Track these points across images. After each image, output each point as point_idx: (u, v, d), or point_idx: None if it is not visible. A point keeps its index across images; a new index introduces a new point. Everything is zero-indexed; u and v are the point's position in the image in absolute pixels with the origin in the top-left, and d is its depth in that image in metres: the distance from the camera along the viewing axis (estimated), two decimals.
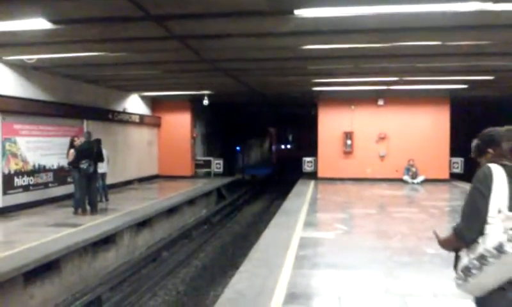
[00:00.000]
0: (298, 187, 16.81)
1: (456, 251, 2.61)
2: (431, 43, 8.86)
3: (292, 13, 6.68)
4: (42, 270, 7.49)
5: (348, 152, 18.85)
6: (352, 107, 18.77)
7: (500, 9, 6.36)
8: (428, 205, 12.31)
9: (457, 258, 2.59)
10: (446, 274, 5.97)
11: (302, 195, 14.51)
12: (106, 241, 9.52)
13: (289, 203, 12.97)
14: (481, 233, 2.39)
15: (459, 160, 18.85)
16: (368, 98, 18.40)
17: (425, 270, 6.20)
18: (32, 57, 10.17)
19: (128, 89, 17.38)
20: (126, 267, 9.77)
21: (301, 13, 6.69)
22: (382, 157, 18.61)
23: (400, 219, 10.15)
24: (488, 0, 6.02)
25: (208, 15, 7.09)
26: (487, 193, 2.42)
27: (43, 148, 12.33)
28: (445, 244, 2.77)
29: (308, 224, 9.64)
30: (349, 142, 18.82)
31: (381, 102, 18.66)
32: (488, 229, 2.37)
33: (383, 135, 18.62)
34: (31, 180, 11.86)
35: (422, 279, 5.83)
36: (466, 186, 16.97)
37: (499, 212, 2.36)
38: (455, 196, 14.71)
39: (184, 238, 12.89)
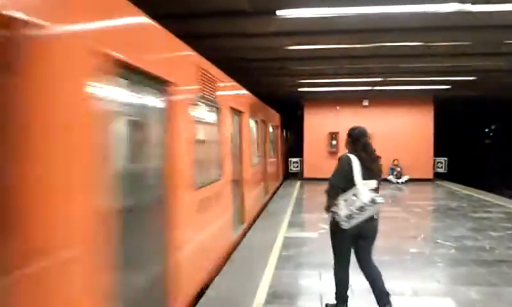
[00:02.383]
0: (284, 188, 16.84)
1: (329, 208, 4.30)
2: (412, 43, 8.95)
3: (274, 13, 6.70)
4: None
5: (333, 152, 18.93)
6: (338, 107, 18.87)
7: (479, 10, 6.45)
8: (411, 205, 12.40)
9: (333, 212, 4.25)
10: (427, 272, 6.05)
11: (287, 196, 14.54)
12: None
13: (274, 204, 12.98)
14: (352, 193, 4.08)
15: (443, 160, 19.05)
16: (353, 99, 18.51)
17: (406, 269, 6.25)
18: None
19: None
20: None
21: (284, 13, 6.72)
22: None
23: (384, 218, 10.18)
24: (466, 1, 6.11)
25: (192, 16, 7.09)
26: (349, 169, 4.14)
27: None
28: (328, 207, 4.34)
29: (293, 224, 9.66)
30: (334, 142, 18.92)
31: (365, 103, 18.81)
32: (359, 191, 4.06)
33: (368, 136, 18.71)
34: None
35: (404, 277, 5.88)
36: (451, 185, 17.19)
37: (359, 181, 4.09)
38: (438, 195, 14.84)
39: None
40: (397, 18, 7.14)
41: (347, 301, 4.57)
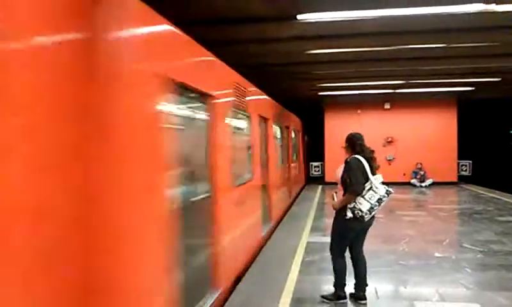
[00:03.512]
0: (305, 192, 16.78)
1: (346, 205, 4.68)
2: (435, 45, 8.84)
3: (295, 18, 6.71)
4: None
5: None
6: (359, 111, 18.74)
7: (503, 10, 6.35)
8: (436, 208, 12.22)
9: (345, 209, 4.67)
10: (454, 277, 5.94)
11: (309, 200, 14.48)
12: None
13: (296, 208, 12.94)
14: (368, 189, 4.61)
15: (467, 163, 18.74)
16: (374, 102, 18.37)
17: (432, 274, 6.16)
18: None
19: None
20: None
21: (304, 17, 6.72)
22: (389, 161, 18.54)
23: (408, 222, 10.09)
24: (491, 1, 6.02)
25: (214, 22, 7.14)
26: (362, 168, 4.66)
27: None
28: (341, 204, 4.74)
29: (315, 229, 9.61)
30: None
31: (387, 106, 18.64)
32: (374, 186, 4.61)
33: (390, 139, 18.56)
34: None
35: (430, 282, 5.79)
36: (476, 188, 16.89)
37: (372, 177, 4.65)
38: (463, 198, 14.58)
39: None
40: (419, 20, 7.07)
41: (345, 286, 5.08)
